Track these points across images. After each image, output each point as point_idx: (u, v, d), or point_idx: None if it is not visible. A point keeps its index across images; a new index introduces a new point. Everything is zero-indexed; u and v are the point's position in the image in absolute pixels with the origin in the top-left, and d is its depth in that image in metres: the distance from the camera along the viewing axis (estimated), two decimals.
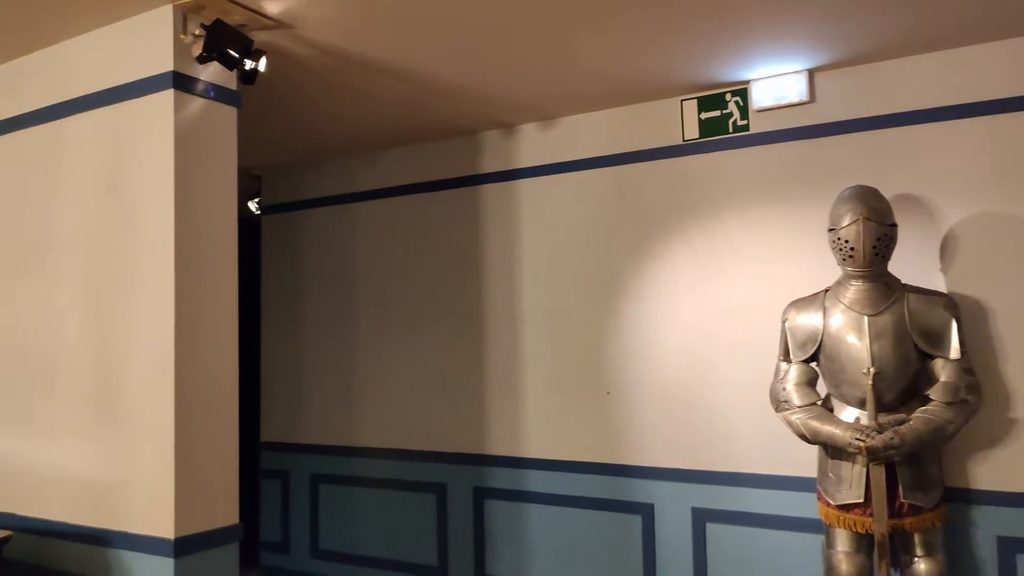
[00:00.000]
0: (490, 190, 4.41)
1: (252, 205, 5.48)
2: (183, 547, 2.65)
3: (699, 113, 3.77)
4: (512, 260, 4.32)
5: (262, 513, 5.19)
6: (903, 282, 3.01)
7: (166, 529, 2.65)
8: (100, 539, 2.81)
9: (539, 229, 4.25)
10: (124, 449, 2.79)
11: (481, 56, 3.29)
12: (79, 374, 2.94)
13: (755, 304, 3.60)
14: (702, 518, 3.71)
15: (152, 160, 2.77)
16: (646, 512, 3.85)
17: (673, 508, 3.79)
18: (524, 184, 4.29)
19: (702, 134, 3.77)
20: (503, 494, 4.28)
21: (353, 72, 3.40)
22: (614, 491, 3.94)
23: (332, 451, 4.89)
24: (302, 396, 5.05)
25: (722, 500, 3.67)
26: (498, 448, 4.30)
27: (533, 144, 4.27)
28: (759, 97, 3.59)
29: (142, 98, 2.79)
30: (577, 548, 4.03)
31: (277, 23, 2.87)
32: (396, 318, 4.70)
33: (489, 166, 4.41)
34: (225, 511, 2.83)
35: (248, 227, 4.17)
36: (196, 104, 2.80)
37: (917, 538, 2.93)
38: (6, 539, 2.79)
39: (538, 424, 4.19)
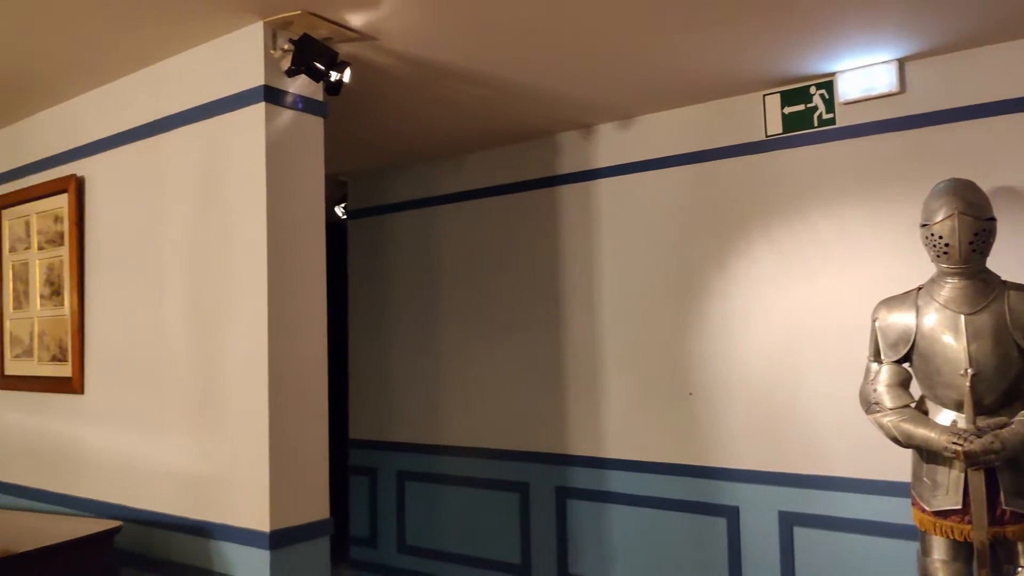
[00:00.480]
0: (569, 190, 4.42)
1: (339, 210, 5.65)
2: (278, 540, 2.77)
3: (782, 108, 3.68)
4: (592, 260, 4.32)
5: (351, 509, 5.35)
6: (1003, 279, 2.87)
7: (262, 522, 2.77)
8: (202, 530, 2.96)
9: (619, 228, 4.23)
10: (223, 446, 2.93)
11: (559, 59, 3.31)
12: (183, 375, 3.10)
13: (843, 303, 3.50)
14: (789, 522, 3.63)
15: (245, 170, 2.90)
16: (731, 515, 3.79)
17: (759, 511, 3.71)
18: (603, 184, 4.29)
19: (785, 129, 3.69)
20: (585, 494, 4.28)
21: (434, 79, 3.48)
22: (698, 493, 3.90)
23: (418, 449, 4.99)
24: (389, 395, 5.18)
25: (811, 504, 3.58)
26: (580, 448, 4.31)
27: (612, 144, 4.26)
28: (846, 89, 3.48)
29: (235, 112, 2.93)
30: (660, 550, 4.01)
31: (361, 35, 2.96)
32: (479, 317, 4.77)
33: (568, 167, 4.42)
34: (316, 506, 2.93)
35: (335, 231, 4.31)
36: (285, 116, 2.91)
37: (1021, 547, 2.78)
38: (117, 529, 2.98)
39: (620, 424, 4.18)
